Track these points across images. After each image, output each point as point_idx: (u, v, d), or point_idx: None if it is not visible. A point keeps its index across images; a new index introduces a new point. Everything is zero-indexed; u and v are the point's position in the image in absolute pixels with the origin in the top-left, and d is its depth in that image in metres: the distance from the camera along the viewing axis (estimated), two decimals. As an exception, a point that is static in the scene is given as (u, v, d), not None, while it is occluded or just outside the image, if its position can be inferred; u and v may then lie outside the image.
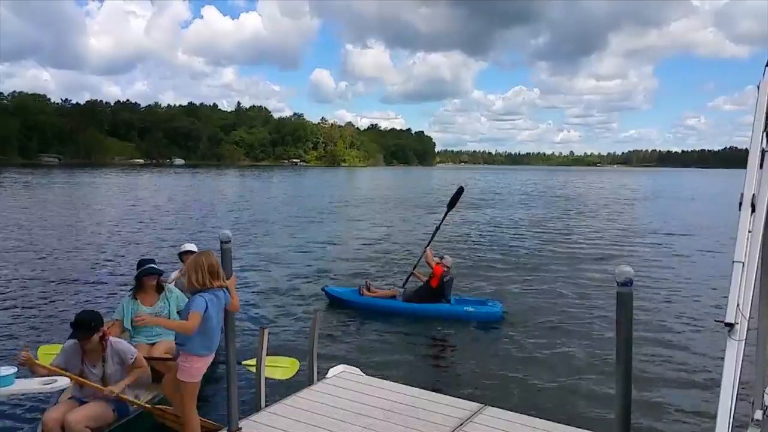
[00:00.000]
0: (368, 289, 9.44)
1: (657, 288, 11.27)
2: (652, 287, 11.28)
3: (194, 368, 3.80)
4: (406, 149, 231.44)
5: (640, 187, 62.47)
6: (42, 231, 18.44)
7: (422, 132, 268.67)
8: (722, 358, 2.11)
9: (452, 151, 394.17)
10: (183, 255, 6.81)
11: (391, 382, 5.29)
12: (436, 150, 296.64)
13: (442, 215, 10.59)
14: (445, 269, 8.93)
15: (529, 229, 21.43)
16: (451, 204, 10.56)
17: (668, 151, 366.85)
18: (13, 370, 3.26)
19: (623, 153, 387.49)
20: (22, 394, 4.73)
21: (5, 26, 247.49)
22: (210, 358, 3.93)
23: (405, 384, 5.26)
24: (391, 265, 13.60)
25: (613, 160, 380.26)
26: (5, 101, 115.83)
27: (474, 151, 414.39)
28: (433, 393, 5.02)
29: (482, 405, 4.66)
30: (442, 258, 9.15)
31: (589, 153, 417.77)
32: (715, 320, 7.95)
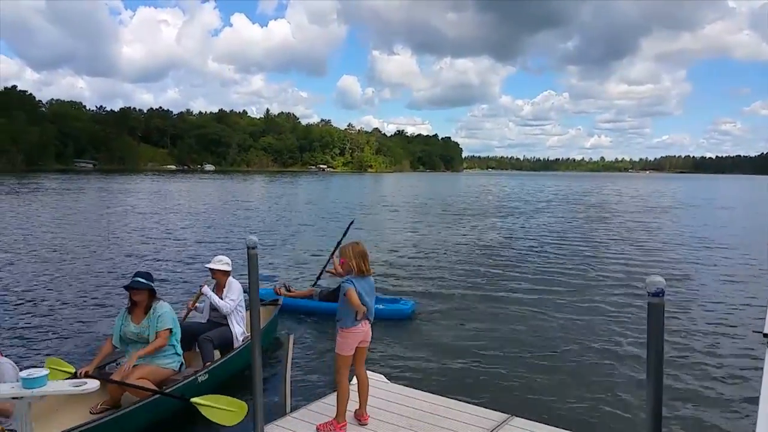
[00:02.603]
0: (288, 290, 9.72)
1: (690, 299, 10.99)
2: (685, 298, 11.00)
3: (346, 343, 4.30)
4: (433, 155, 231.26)
5: (673, 194, 61.16)
6: (75, 235, 18.86)
7: (449, 138, 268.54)
8: (761, 369, 2.04)
9: (479, 157, 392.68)
10: (214, 272, 6.55)
11: (416, 390, 5.25)
12: (463, 156, 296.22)
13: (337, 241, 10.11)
14: None
15: (556, 236, 21.13)
16: (344, 235, 10.38)
17: (702, 157, 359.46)
18: (45, 372, 3.33)
19: (655, 159, 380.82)
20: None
21: (43, 36, 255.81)
22: (359, 331, 4.33)
23: (429, 392, 5.22)
24: (414, 269, 13.56)
25: (645, 166, 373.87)
26: (43, 108, 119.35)
27: (501, 157, 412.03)
28: (459, 402, 4.97)
29: (509, 415, 4.60)
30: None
31: (620, 159, 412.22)
32: (753, 331, 7.75)
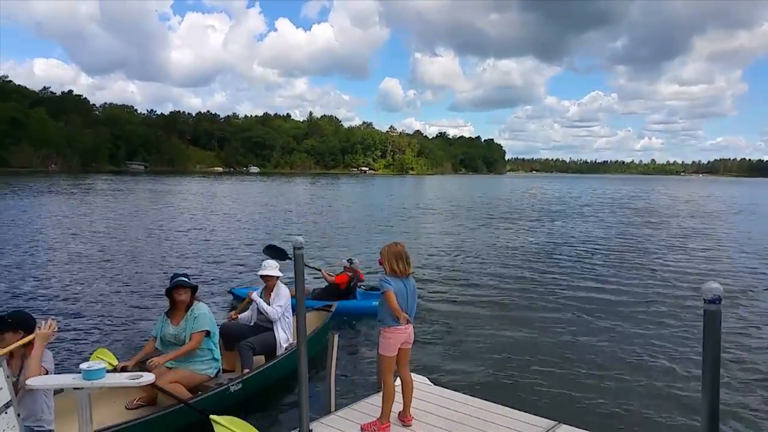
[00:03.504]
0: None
1: (747, 306, 10.58)
2: (742, 305, 10.60)
3: (388, 343, 4.33)
4: (475, 157, 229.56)
5: (728, 199, 58.91)
6: (124, 235, 19.52)
7: (492, 140, 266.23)
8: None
9: (523, 159, 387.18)
10: (264, 277, 6.56)
11: (460, 393, 5.22)
12: (507, 158, 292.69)
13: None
14: (350, 274, 9.52)
15: (604, 241, 20.65)
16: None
17: (759, 160, 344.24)
18: (103, 364, 3.47)
19: (709, 162, 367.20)
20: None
21: (96, 42, 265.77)
22: (401, 332, 4.34)
23: (474, 396, 5.19)
24: (454, 273, 13.49)
25: (697, 169, 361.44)
26: (97, 112, 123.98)
27: (546, 159, 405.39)
28: (504, 407, 4.90)
29: (556, 422, 4.52)
30: (351, 262, 9.67)
31: (671, 161, 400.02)
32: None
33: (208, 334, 5.32)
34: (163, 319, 5.43)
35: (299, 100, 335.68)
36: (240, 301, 9.53)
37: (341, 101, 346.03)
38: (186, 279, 5.35)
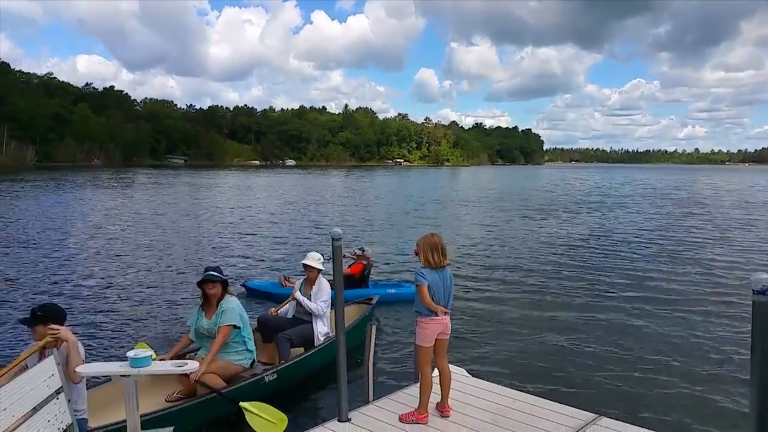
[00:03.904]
0: (288, 280, 9.58)
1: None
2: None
3: (425, 333, 4.33)
4: (512, 148, 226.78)
5: (775, 188, 56.78)
6: (163, 228, 20.02)
7: (529, 130, 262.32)
8: None
9: (562, 149, 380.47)
10: (307, 268, 6.54)
11: (499, 385, 5.20)
12: (545, 148, 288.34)
13: None
14: (365, 263, 9.53)
15: (645, 232, 20.16)
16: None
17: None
18: (150, 352, 3.58)
19: (756, 150, 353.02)
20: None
21: (136, 38, 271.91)
22: (437, 322, 4.32)
23: (512, 388, 5.15)
24: (492, 263, 13.39)
25: (744, 158, 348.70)
26: (138, 107, 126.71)
27: (586, 149, 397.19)
28: (543, 399, 4.86)
29: (597, 415, 4.46)
30: (363, 251, 9.70)
31: (716, 150, 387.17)
32: None
33: (235, 327, 5.33)
34: (198, 311, 5.51)
35: (335, 93, 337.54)
36: (253, 295, 9.59)
37: (376, 93, 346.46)
38: (215, 273, 5.38)
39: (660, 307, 9.54)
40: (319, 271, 6.53)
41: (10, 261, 13.11)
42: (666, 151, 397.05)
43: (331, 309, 6.58)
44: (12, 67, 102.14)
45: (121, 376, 3.47)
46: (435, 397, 4.52)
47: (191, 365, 3.71)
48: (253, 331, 6.00)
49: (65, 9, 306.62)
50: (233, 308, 5.34)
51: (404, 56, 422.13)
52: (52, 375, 3.40)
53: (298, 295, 6.47)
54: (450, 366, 5.09)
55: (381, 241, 17.32)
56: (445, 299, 4.38)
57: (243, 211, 26.64)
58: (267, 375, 5.44)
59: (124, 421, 3.96)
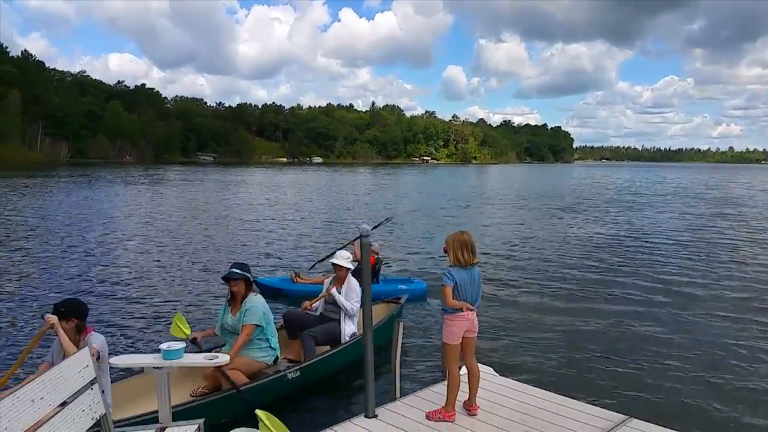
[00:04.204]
0: (298, 276, 9.65)
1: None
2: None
3: (451, 330, 4.29)
4: (541, 145, 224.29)
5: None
6: (191, 223, 20.31)
7: (559, 127, 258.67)
8: None
9: (592, 147, 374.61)
10: (337, 267, 6.52)
11: (527, 385, 5.15)
12: (575, 146, 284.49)
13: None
14: (376, 256, 9.48)
15: (677, 232, 19.74)
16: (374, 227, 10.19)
17: None
18: (182, 345, 3.64)
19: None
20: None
21: (167, 37, 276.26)
22: (463, 319, 4.28)
23: (540, 387, 5.10)
24: (518, 262, 13.27)
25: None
26: (168, 105, 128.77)
27: (617, 147, 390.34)
28: (571, 399, 4.80)
29: (627, 416, 4.39)
30: (371, 245, 9.34)
31: (752, 149, 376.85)
32: None
33: (257, 326, 5.32)
34: (225, 307, 5.54)
35: (362, 90, 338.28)
36: (262, 292, 9.51)
37: (404, 90, 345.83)
38: (238, 270, 5.35)
39: (693, 310, 9.34)
40: (348, 269, 6.49)
41: (41, 255, 13.44)
42: (699, 150, 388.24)
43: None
44: (47, 66, 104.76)
45: (154, 368, 3.53)
46: (462, 396, 4.50)
47: (222, 358, 3.77)
48: (278, 329, 6.05)
49: (98, 8, 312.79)
50: (257, 307, 5.33)
51: (432, 53, 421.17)
52: (87, 366, 3.47)
53: (334, 292, 6.38)
54: (479, 365, 5.07)
55: (406, 239, 17.31)
56: (472, 297, 4.35)
57: (268, 207, 26.87)
58: (290, 372, 5.45)
59: (149, 413, 4.04)
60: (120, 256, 13.58)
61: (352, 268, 6.50)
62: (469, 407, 4.48)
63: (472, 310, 4.33)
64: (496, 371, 5.50)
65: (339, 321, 6.34)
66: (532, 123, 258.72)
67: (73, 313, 4.15)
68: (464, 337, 4.37)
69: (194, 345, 5.36)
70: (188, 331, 5.42)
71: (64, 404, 3.25)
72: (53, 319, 4.07)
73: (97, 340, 4.12)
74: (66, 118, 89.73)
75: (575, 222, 22.65)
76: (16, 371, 4.23)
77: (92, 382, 3.47)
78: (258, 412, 4.38)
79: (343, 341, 6.24)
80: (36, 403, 2.94)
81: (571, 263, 13.43)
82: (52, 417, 3.09)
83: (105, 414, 3.54)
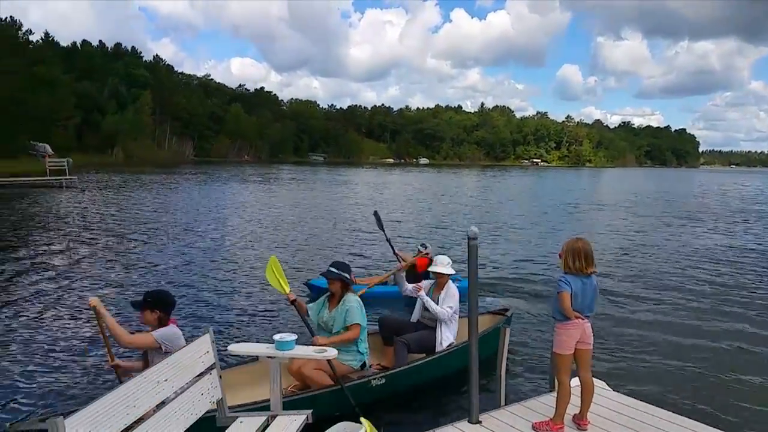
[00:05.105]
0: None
1: None
2: None
3: (562, 340, 4.15)
4: (663, 149, 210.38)
5: None
6: (298, 220, 21.16)
7: (683, 130, 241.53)
8: None
9: (720, 151, 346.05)
10: (437, 274, 6.24)
11: (642, 402, 4.84)
12: (700, 150, 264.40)
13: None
14: (430, 255, 8.98)
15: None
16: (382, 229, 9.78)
17: None
18: (294, 337, 3.79)
19: None
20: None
21: (285, 42, 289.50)
22: (575, 327, 4.11)
23: (656, 405, 4.77)
24: (634, 272, 12.50)
25: None
26: (284, 107, 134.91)
27: (748, 152, 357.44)
28: (691, 420, 4.45)
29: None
30: (426, 247, 9.34)
31: None
32: None
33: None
34: (324, 301, 5.50)
35: (471, 91, 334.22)
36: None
37: (515, 91, 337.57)
38: (334, 270, 5.31)
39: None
40: (449, 276, 6.22)
41: (153, 247, 14.58)
42: None
43: (462, 316, 6.36)
44: (175, 70, 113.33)
45: (268, 357, 3.71)
46: (571, 409, 4.31)
47: (331, 352, 3.86)
48: (372, 334, 6.00)
49: (223, 15, 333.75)
50: (356, 307, 5.28)
51: (546, 52, 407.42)
52: (207, 352, 3.71)
53: (422, 294, 6.15)
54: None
55: (513, 245, 16.93)
56: (586, 307, 4.15)
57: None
58: (374, 379, 5.28)
59: (260, 402, 4.20)
60: (223, 250, 14.38)
61: (453, 272, 6.26)
62: (579, 421, 4.28)
63: (582, 319, 4.14)
64: (608, 385, 5.23)
65: (435, 329, 6.07)
66: (654, 125, 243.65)
67: (157, 304, 4.30)
68: (578, 348, 4.18)
69: (292, 305, 5.28)
70: (287, 288, 5.21)
71: (190, 384, 3.50)
72: (95, 301, 4.25)
73: (160, 332, 4.22)
74: (192, 119, 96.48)
75: (698, 232, 20.98)
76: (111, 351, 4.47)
77: (211, 368, 3.71)
78: (363, 420, 4.38)
79: (438, 350, 5.96)
80: (161, 384, 3.19)
81: (694, 276, 12.47)
82: (174, 398, 3.34)
83: (221, 398, 3.77)
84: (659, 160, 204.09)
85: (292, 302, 5.24)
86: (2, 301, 9.21)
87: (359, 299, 5.41)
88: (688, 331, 8.39)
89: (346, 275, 5.34)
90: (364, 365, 5.39)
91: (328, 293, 5.48)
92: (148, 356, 4.31)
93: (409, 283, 9.63)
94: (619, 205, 34.05)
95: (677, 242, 17.96)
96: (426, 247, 9.71)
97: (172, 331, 4.24)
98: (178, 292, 9.86)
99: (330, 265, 5.43)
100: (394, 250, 9.53)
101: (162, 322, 4.28)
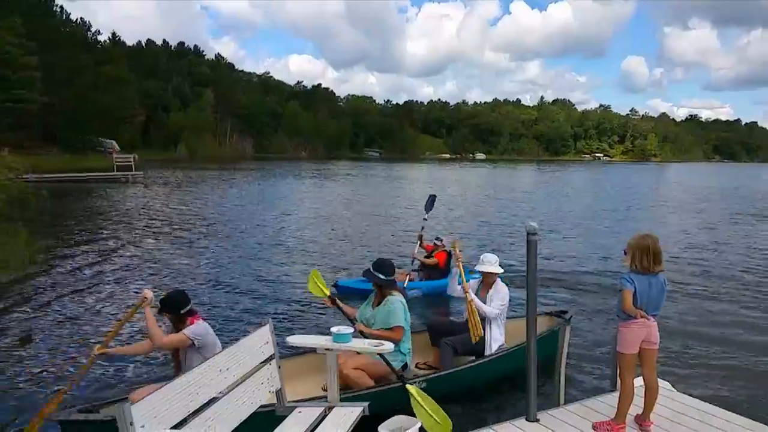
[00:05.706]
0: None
1: None
2: None
3: (625, 339, 4.05)
4: (733, 143, 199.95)
5: None
6: (351, 214, 21.37)
7: (755, 123, 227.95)
8: None
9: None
10: (485, 273, 5.96)
11: (709, 404, 4.65)
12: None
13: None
14: (448, 250, 9.16)
15: None
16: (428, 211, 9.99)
17: None
18: (351, 330, 3.85)
19: None
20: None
21: (342, 38, 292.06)
22: (639, 326, 3.99)
23: (724, 408, 4.57)
24: (708, 274, 11.98)
25: None
26: (341, 103, 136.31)
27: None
28: (761, 424, 4.24)
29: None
30: (441, 240, 9.52)
31: None
32: None
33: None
34: (370, 298, 5.46)
35: (530, 85, 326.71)
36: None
37: (576, 84, 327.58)
38: (373, 272, 5.23)
39: None
40: (497, 275, 5.94)
41: (213, 240, 15.07)
42: None
43: (516, 317, 6.31)
44: (236, 67, 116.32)
45: (326, 349, 3.78)
46: (634, 410, 4.19)
47: (387, 346, 3.89)
48: (420, 332, 6.01)
49: (281, 13, 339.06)
50: (399, 308, 5.16)
51: (609, 44, 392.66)
52: (267, 342, 3.81)
53: (470, 294, 5.80)
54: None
55: (575, 241, 16.53)
56: (652, 306, 4.01)
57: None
58: (415, 382, 4.98)
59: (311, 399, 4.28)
60: (274, 245, 14.59)
61: (501, 271, 5.98)
62: (642, 422, 4.16)
63: (648, 319, 4.01)
64: (673, 386, 5.06)
65: (484, 330, 5.79)
66: (723, 118, 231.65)
67: (164, 308, 4.54)
68: (642, 348, 4.05)
69: (333, 306, 5.28)
70: (327, 291, 5.29)
71: (251, 373, 3.60)
72: (149, 294, 4.51)
73: (191, 329, 4.47)
74: (251, 116, 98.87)
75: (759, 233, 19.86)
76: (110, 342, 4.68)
77: (270, 358, 3.80)
78: (408, 387, 4.32)
79: (487, 352, 5.72)
80: (222, 373, 3.30)
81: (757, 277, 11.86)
82: (235, 387, 3.44)
83: (280, 388, 3.86)
84: (729, 155, 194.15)
85: (333, 302, 5.26)
86: (69, 289, 9.78)
87: (403, 300, 5.29)
88: (761, 332, 8.01)
89: (381, 276, 5.23)
90: (405, 366, 5.25)
91: (374, 291, 5.44)
92: (179, 354, 4.57)
93: (425, 276, 9.60)
94: (687, 200, 32.67)
95: (749, 240, 17.09)
96: (441, 240, 9.65)
97: (201, 326, 4.53)
98: (232, 284, 10.25)
99: (372, 264, 5.36)
100: (420, 242, 9.76)
101: (175, 322, 4.57)
